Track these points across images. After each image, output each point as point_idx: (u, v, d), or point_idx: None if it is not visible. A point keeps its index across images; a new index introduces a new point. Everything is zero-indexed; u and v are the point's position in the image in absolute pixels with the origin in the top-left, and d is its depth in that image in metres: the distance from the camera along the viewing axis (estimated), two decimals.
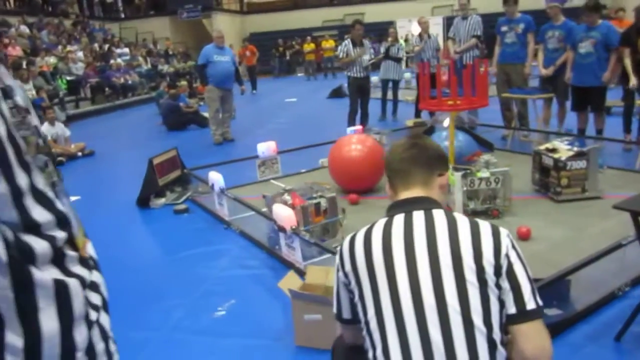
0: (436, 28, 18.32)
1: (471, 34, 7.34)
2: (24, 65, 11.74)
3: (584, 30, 5.85)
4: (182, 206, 4.96)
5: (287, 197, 3.80)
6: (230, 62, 7.93)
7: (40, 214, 0.95)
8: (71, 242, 1.04)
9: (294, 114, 11.17)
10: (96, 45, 17.43)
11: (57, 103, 11.67)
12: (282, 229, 3.40)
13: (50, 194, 1.00)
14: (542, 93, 6.28)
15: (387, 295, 1.33)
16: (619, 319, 2.65)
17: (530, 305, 1.31)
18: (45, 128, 7.79)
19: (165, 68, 18.05)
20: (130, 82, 15.44)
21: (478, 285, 1.30)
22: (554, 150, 4.31)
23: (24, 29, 15.20)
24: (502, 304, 1.31)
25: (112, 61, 15.62)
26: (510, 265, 1.33)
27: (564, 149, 4.29)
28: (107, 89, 14.47)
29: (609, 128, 6.18)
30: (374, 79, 9.25)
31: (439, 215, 1.41)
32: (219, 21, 22.96)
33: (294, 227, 3.31)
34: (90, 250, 1.18)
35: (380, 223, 1.44)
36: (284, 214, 3.36)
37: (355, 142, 5.01)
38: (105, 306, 1.16)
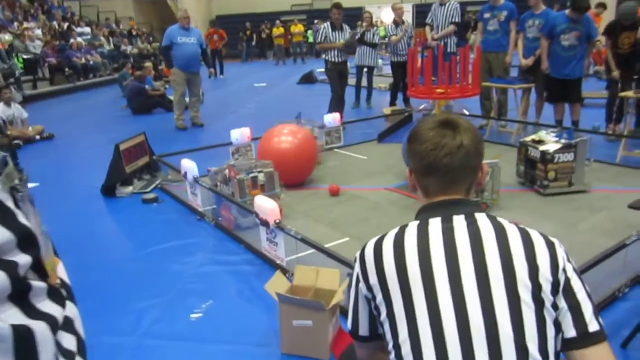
0: (406, 16, 18.19)
1: (449, 20, 7.16)
2: None
3: (565, 21, 5.72)
4: (152, 195, 4.62)
5: (226, 171, 4.05)
6: (196, 44, 7.49)
7: None
8: (38, 267, 0.77)
9: (265, 100, 10.82)
10: (55, 23, 16.54)
11: (13, 83, 10.96)
12: (265, 223, 3.14)
13: (9, 203, 0.72)
14: (523, 83, 6.16)
15: (425, 314, 1.10)
16: (622, 322, 2.52)
17: (593, 326, 1.11)
18: (0, 109, 7.25)
19: (129, 49, 17.32)
20: (92, 62, 14.71)
21: (534, 306, 1.09)
22: (540, 142, 4.18)
23: None
24: (557, 328, 1.11)
25: (72, 40, 14.82)
26: (567, 281, 1.13)
27: (551, 141, 4.16)
28: (67, 69, 13.73)
29: (583, 119, 6.12)
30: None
31: (483, 221, 1.19)
32: (185, 2, 22.19)
33: (278, 221, 3.05)
34: (62, 273, 0.90)
35: (412, 228, 1.21)
36: (268, 207, 3.10)
37: (286, 134, 4.69)
38: (81, 350, 0.88)
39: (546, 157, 4.04)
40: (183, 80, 7.55)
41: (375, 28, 9.26)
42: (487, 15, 6.36)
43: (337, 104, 7.11)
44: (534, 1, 6.03)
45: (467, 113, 6.63)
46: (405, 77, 8.03)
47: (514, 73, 6.72)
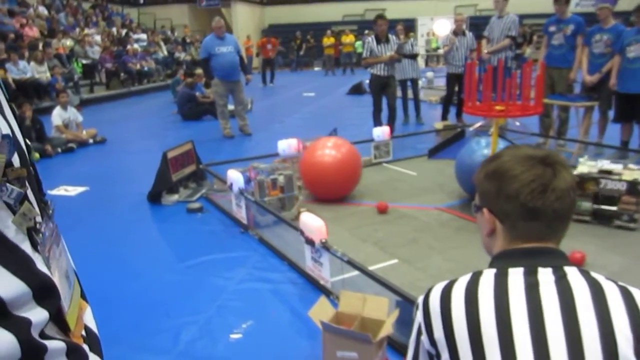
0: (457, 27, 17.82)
1: (505, 33, 6.87)
2: (40, 47, 11.45)
3: (634, 34, 5.39)
4: (196, 205, 4.57)
5: (247, 172, 4.34)
6: (234, 51, 7.43)
7: (6, 284, 0.57)
8: (58, 318, 0.65)
9: (313, 109, 10.75)
10: (114, 29, 17.10)
11: (71, 86, 11.34)
12: (310, 241, 3.00)
13: (26, 246, 0.61)
14: (586, 100, 5.81)
15: None
16: None
17: None
18: (57, 112, 7.46)
19: (182, 56, 17.71)
20: (146, 68, 15.10)
21: None
22: (609, 172, 3.83)
23: (42, 9, 14.89)
24: None
25: (128, 46, 15.27)
26: None
27: (618, 168, 3.83)
28: (122, 74, 14.14)
29: None
30: None
31: (575, 276, 0.99)
32: (239, 11, 22.58)
33: (324, 240, 2.90)
34: (89, 319, 0.78)
35: (488, 277, 1.02)
36: (314, 225, 2.96)
37: (330, 147, 4.63)
38: None
39: (637, 188, 3.68)
40: (225, 91, 7.53)
41: (412, 39, 9.04)
42: (552, 29, 6.03)
43: (377, 116, 6.93)
44: (603, 15, 5.66)
45: (529, 131, 6.29)
46: (460, 90, 7.76)
47: (576, 89, 6.36)
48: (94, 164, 6.66)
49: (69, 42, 13.52)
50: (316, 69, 22.01)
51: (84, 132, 7.72)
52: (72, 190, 5.23)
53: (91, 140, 7.65)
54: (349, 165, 4.61)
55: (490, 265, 1.07)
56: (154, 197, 4.76)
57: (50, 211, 0.71)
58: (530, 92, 3.86)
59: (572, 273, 0.99)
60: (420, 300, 1.09)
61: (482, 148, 4.30)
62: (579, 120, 6.16)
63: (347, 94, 12.91)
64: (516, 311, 0.95)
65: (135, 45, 15.80)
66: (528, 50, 16.00)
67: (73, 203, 4.86)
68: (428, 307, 1.06)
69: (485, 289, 1.00)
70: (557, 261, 1.02)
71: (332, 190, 4.61)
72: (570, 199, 1.03)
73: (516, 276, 1.00)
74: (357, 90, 12.76)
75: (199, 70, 10.39)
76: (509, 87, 3.68)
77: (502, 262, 1.05)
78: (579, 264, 3.17)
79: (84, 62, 13.33)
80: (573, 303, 0.95)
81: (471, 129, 6.26)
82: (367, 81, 7.52)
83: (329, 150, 4.60)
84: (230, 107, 8.11)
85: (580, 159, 4.19)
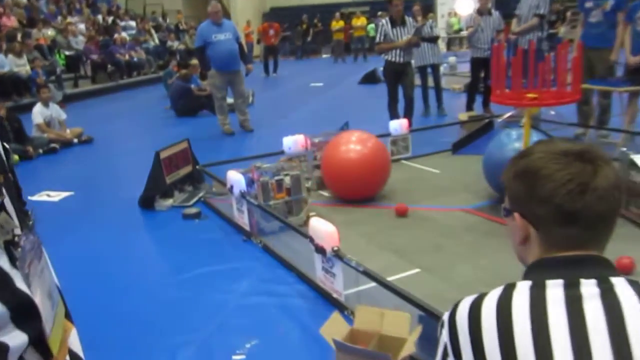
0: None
1: (533, 11, 6.82)
2: (19, 38, 11.55)
3: None
4: (193, 210, 4.59)
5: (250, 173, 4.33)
6: (232, 39, 7.46)
7: None
8: (39, 342, 0.64)
9: (322, 102, 10.77)
10: (99, 17, 17.22)
11: (53, 81, 11.43)
12: (320, 249, 2.98)
13: (2, 262, 0.60)
14: (630, 85, 5.74)
15: None
16: None
17: None
18: (38, 109, 7.51)
19: (175, 45, 17.78)
20: (136, 59, 15.20)
21: None
22: None
23: None
24: None
25: (116, 35, 15.36)
26: None
27: None
28: (110, 66, 14.24)
29: None
30: None
31: (623, 288, 0.95)
32: None
33: (336, 248, 2.88)
34: (74, 343, 0.77)
35: (523, 291, 0.99)
36: (325, 231, 2.94)
37: (354, 142, 4.68)
38: None
39: None
40: (223, 83, 7.56)
41: (431, 20, 8.96)
42: (588, 4, 5.97)
43: (393, 108, 6.92)
44: None
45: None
46: (487, 76, 7.71)
47: (619, 72, 6.29)
48: (80, 166, 6.71)
49: (50, 32, 13.63)
50: (324, 56, 22.03)
51: (68, 131, 7.78)
52: (56, 196, 5.26)
53: (76, 140, 7.70)
54: (378, 161, 4.64)
55: (525, 277, 1.04)
56: (146, 202, 4.77)
57: (31, 222, 0.71)
58: (567, 77, 3.82)
59: (620, 284, 0.96)
60: (445, 317, 1.07)
61: (513, 141, 4.28)
62: (622, 107, 6.10)
63: (359, 84, 12.94)
64: (556, 330, 0.92)
65: (124, 34, 15.88)
66: (562, 30, 15.88)
67: (56, 210, 4.88)
68: (455, 325, 1.03)
69: (519, 305, 0.97)
70: (602, 271, 0.98)
71: (360, 189, 4.61)
72: (615, 198, 0.99)
73: (555, 289, 0.96)
74: (370, 79, 12.77)
75: (194, 61, 10.42)
76: (541, 72, 3.64)
77: (538, 273, 1.02)
78: (628, 271, 3.13)
79: (67, 53, 13.44)
80: (622, 320, 0.91)
81: (500, 120, 6.23)
82: (382, 69, 7.50)
83: (354, 145, 4.64)
84: (230, 100, 8.13)
85: (631, 155, 4.12)
